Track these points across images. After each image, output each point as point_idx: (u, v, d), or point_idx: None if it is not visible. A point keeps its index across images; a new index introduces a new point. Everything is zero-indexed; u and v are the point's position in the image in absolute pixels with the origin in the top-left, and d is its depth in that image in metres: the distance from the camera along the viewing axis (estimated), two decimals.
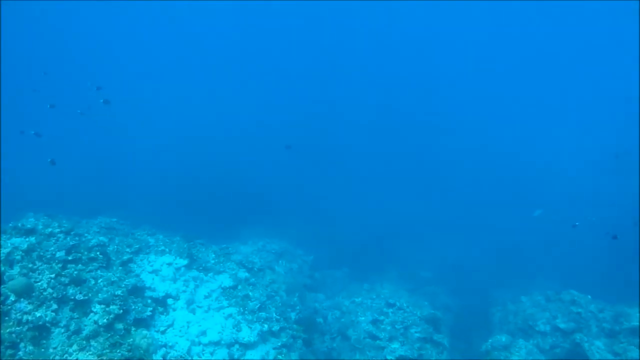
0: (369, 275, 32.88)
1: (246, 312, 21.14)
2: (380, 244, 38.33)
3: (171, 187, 42.32)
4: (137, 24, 78.47)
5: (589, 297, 25.40)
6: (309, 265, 31.09)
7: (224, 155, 52.10)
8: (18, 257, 17.63)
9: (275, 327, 21.12)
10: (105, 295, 17.57)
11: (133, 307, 17.98)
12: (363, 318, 25.33)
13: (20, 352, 15.02)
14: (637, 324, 21.87)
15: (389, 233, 40.35)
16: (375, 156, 57.50)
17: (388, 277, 32.63)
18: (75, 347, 15.84)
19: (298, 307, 23.88)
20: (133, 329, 17.33)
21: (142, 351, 16.58)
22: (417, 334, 24.29)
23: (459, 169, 57.27)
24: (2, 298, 15.77)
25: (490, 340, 23.19)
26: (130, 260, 20.66)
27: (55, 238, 19.38)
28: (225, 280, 22.30)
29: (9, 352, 14.80)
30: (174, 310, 19.68)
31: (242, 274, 23.21)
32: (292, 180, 49.40)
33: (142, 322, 17.95)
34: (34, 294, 16.58)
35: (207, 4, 72.19)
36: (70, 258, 18.52)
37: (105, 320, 16.73)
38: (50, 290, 16.86)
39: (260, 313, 21.43)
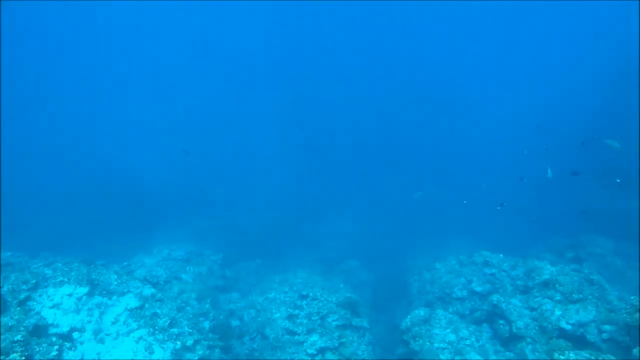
0: (282, 262, 31.80)
1: (157, 331, 19.83)
2: (288, 228, 37.31)
3: (75, 199, 39.64)
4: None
5: (501, 255, 25.39)
6: (219, 264, 29.73)
7: (124, 160, 49.43)
8: None
9: (189, 342, 20.00)
10: (3, 345, 15.70)
11: (37, 349, 16.38)
12: (278, 314, 24.31)
13: None
14: (548, 276, 21.85)
15: (296, 217, 39.37)
16: (273, 142, 56.09)
17: (301, 262, 31.61)
18: None
19: (211, 314, 22.77)
20: None
21: None
22: (335, 322, 23.53)
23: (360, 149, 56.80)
24: None
25: (409, 317, 22.70)
26: (28, 298, 18.82)
27: None
28: (131, 300, 20.89)
29: None
30: (82, 343, 18.24)
31: (148, 290, 21.82)
32: (194, 180, 47.46)
33: None
34: None
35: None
36: None
37: None
38: None
39: (171, 329, 20.17)
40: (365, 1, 65.45)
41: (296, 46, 74.02)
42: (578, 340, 19.74)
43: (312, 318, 23.61)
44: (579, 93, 47.02)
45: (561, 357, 16.78)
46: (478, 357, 20.74)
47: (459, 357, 20.74)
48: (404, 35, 72.57)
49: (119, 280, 21.89)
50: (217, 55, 76.91)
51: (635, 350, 16.15)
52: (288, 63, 73.99)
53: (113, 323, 19.79)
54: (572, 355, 16.82)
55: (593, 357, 16.59)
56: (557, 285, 21.28)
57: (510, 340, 21.22)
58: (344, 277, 31.15)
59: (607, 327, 19.21)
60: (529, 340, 20.50)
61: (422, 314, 23.01)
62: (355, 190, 45.98)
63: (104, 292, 20.91)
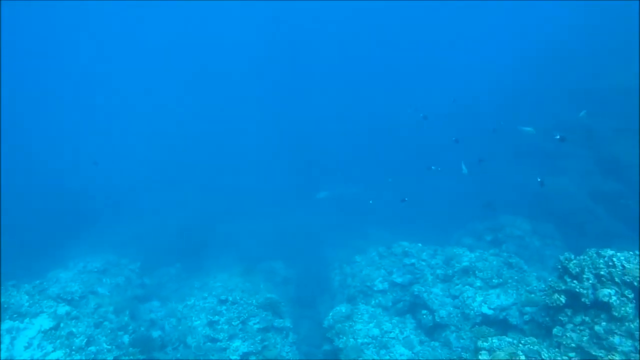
0: (203, 265, 30.58)
1: (73, 351, 18.64)
2: (208, 230, 36.03)
3: None
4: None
5: (419, 244, 25.12)
6: (137, 273, 28.26)
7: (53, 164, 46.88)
8: None
9: (109, 359, 18.63)
10: None
11: None
12: (198, 322, 23.21)
13: None
14: (467, 263, 21.70)
15: (219, 217, 38.15)
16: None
17: (221, 263, 30.47)
18: None
19: (131, 327, 21.73)
20: None
21: None
22: (257, 325, 22.68)
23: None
24: None
25: (331, 314, 22.04)
26: None
27: None
28: (45, 321, 19.51)
29: None
30: None
31: (62, 308, 20.42)
32: (125, 187, 45.46)
33: None
34: None
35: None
36: None
37: None
38: None
39: (89, 348, 19.05)
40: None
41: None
42: (501, 324, 19.70)
43: (233, 323, 22.71)
44: (494, 84, 47.51)
45: (485, 344, 16.45)
46: (403, 349, 20.33)
47: (384, 351, 20.26)
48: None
49: (31, 301, 20.48)
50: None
51: (555, 330, 15.98)
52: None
53: (27, 348, 18.44)
54: (495, 341, 16.52)
55: (515, 341, 16.31)
56: (476, 272, 21.15)
57: (434, 329, 20.99)
58: (264, 276, 30.16)
59: (528, 309, 19.18)
60: (452, 328, 20.31)
61: (343, 310, 22.42)
62: (282, 188, 44.80)
63: (15, 315, 19.46)
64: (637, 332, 14.66)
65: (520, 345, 16.13)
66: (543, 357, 15.24)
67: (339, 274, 27.89)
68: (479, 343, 16.80)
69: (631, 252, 15.93)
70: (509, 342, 16.31)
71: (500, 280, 20.57)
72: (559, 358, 15.29)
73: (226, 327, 22.68)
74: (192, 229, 35.58)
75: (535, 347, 15.68)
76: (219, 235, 35.53)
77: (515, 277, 20.91)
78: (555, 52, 42.28)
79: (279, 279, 30.98)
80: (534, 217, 29.98)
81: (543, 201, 30.69)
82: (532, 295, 19.59)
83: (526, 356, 15.32)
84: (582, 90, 35.38)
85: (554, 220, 29.81)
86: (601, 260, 15.70)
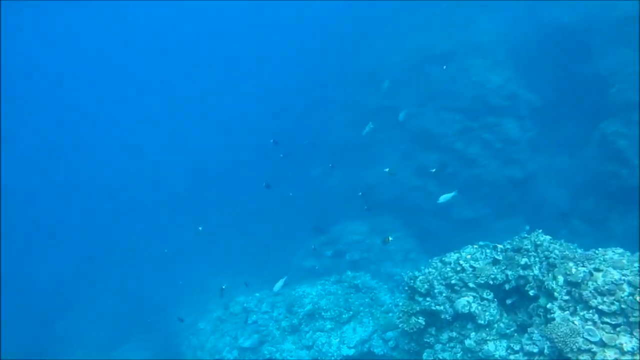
0: None
1: None
2: None
3: None
4: None
5: (257, 295, 22.04)
6: None
7: None
8: None
9: None
10: None
11: None
12: None
13: None
14: (310, 306, 18.98)
15: None
16: None
17: None
18: None
19: None
20: None
21: None
22: None
23: None
24: None
25: None
26: None
27: None
28: None
29: None
30: None
31: None
32: None
33: None
34: None
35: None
36: None
37: None
38: None
39: None
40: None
41: None
42: (369, 359, 17.09)
43: None
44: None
45: None
46: None
47: None
48: None
49: None
50: None
51: (425, 355, 13.54)
52: None
53: None
54: None
55: None
56: (322, 313, 18.59)
57: None
58: None
59: (389, 333, 17.19)
60: None
61: None
62: None
63: None
64: (509, 329, 12.58)
65: None
66: None
67: (188, 347, 24.09)
68: None
69: (475, 247, 13.87)
70: None
71: (351, 312, 18.11)
72: None
73: None
74: None
75: None
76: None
77: (367, 301, 18.60)
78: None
79: None
80: (367, 216, 27.99)
81: (371, 196, 28.79)
82: (390, 314, 17.24)
83: None
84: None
85: (388, 212, 28.04)
86: (448, 268, 13.65)
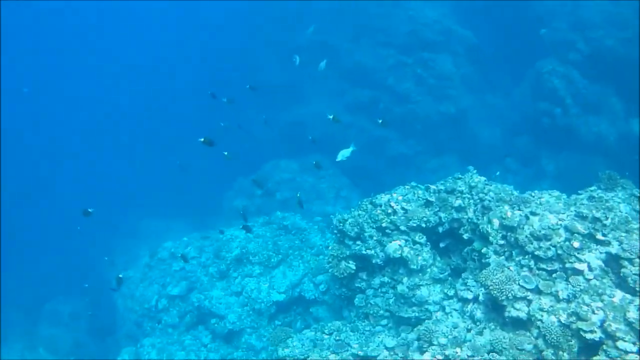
0: None
1: None
2: None
3: None
4: None
5: (185, 239, 21.21)
6: None
7: None
8: None
9: None
10: None
11: None
12: None
13: None
14: (238, 250, 18.05)
15: None
16: None
17: None
18: None
19: None
20: None
21: None
22: None
23: None
24: None
25: None
26: None
27: None
28: None
29: None
30: None
31: None
32: None
33: None
34: None
35: None
36: None
37: None
38: None
39: None
40: None
41: None
42: (300, 304, 16.66)
43: None
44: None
45: (286, 351, 12.73)
46: None
47: None
48: None
49: None
50: None
51: (356, 300, 12.77)
52: None
53: None
54: (296, 343, 12.81)
55: (319, 335, 12.79)
56: (250, 257, 17.54)
57: (231, 336, 17.40)
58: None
59: (320, 277, 16.41)
60: (249, 330, 16.70)
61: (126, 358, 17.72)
62: None
63: None
64: (443, 274, 11.87)
65: (325, 337, 12.59)
66: (351, 344, 11.79)
67: (119, 296, 22.74)
68: (280, 352, 13.11)
69: (407, 187, 12.97)
70: (311, 340, 12.68)
71: (280, 255, 17.20)
72: (369, 329, 12.41)
73: None
74: None
75: (343, 336, 12.19)
76: None
77: (297, 243, 17.73)
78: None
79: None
80: (298, 154, 26.92)
81: (302, 134, 27.61)
82: (321, 257, 16.40)
83: (335, 354, 11.84)
84: None
85: (319, 149, 26.97)
86: (378, 210, 12.77)
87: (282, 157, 27.37)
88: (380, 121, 19.49)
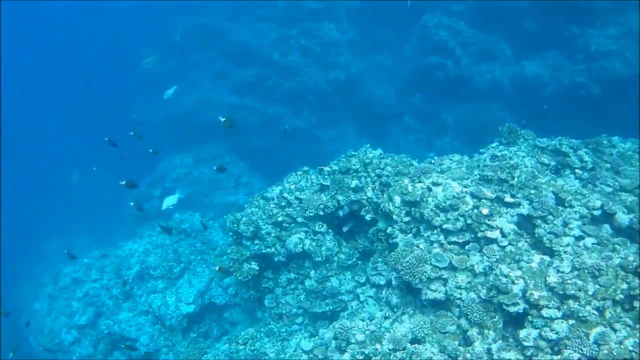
0: None
1: None
2: None
3: None
4: None
5: (85, 260, 18.81)
6: None
7: None
8: None
9: None
10: None
11: None
12: None
13: None
14: (138, 266, 16.18)
15: None
16: None
17: None
18: None
19: None
20: None
21: None
22: None
23: None
24: None
25: None
26: None
27: None
28: None
29: None
30: None
31: None
32: None
33: None
34: None
35: None
36: None
37: None
38: None
39: None
40: None
41: None
42: (213, 311, 15.06)
43: None
44: None
45: None
46: None
47: None
48: None
49: None
50: None
51: (266, 301, 11.42)
52: None
53: None
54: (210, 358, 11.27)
55: (234, 346, 11.27)
56: (151, 272, 15.70)
57: (149, 357, 15.51)
58: None
59: (227, 280, 14.65)
60: (164, 350, 15.07)
61: None
62: None
63: None
64: (351, 260, 10.68)
65: (240, 347, 11.15)
66: (268, 352, 10.55)
67: (31, 332, 20.34)
68: None
69: (299, 173, 11.63)
70: (226, 354, 11.19)
71: (182, 264, 15.51)
72: (285, 330, 11.17)
73: None
74: None
75: (258, 345, 10.82)
76: None
77: (198, 246, 16.05)
78: None
79: None
80: (190, 146, 25.14)
81: (192, 123, 25.71)
82: (225, 257, 14.73)
83: None
84: None
85: (210, 138, 25.22)
86: (272, 205, 11.37)
87: (175, 152, 25.42)
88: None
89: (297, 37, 25.84)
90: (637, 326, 7.03)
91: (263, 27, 26.62)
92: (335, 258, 10.80)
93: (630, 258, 7.44)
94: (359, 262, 10.92)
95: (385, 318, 9.38)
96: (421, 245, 8.90)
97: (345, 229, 11.21)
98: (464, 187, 9.04)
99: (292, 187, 11.28)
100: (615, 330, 7.04)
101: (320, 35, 25.78)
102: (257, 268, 11.36)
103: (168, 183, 24.20)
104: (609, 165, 9.42)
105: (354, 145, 24.59)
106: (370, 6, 26.42)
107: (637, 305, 7.15)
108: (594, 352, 6.76)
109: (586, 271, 7.48)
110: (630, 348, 6.76)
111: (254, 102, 25.12)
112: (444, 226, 8.71)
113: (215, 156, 24.76)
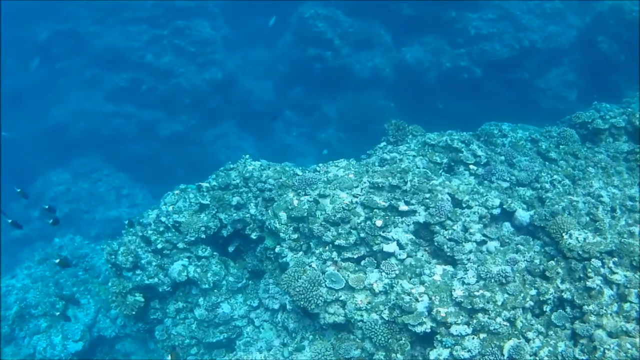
0: None
1: None
2: None
3: None
4: None
5: None
6: None
7: None
8: None
9: None
10: None
11: None
12: None
13: None
14: (17, 306, 13.80)
15: None
16: None
17: None
18: None
19: None
20: None
21: None
22: None
23: None
24: None
25: None
26: None
27: None
28: None
29: None
30: None
31: None
32: None
33: None
34: None
35: None
36: None
37: None
38: None
39: None
40: None
41: None
42: (103, 344, 13.34)
43: None
44: None
45: None
46: None
47: None
48: None
49: None
50: None
51: (157, 333, 10.24)
52: None
53: None
54: None
55: None
56: (31, 310, 13.70)
57: None
58: None
59: (113, 311, 13.02)
60: None
61: None
62: None
63: None
64: (241, 282, 9.65)
65: None
66: None
67: None
68: None
69: (176, 193, 10.45)
70: None
71: (62, 300, 13.44)
72: None
73: None
74: None
75: None
76: None
77: (80, 275, 14.41)
78: None
79: None
80: (66, 162, 22.83)
81: (64, 137, 23.37)
82: (109, 284, 13.04)
83: None
84: None
85: (86, 150, 23.05)
86: (149, 231, 10.26)
87: (50, 168, 22.99)
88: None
89: (169, 37, 24.07)
90: (550, 332, 6.49)
91: (133, 29, 24.58)
92: (224, 282, 9.63)
93: (536, 261, 6.88)
94: (250, 282, 9.84)
95: (284, 345, 8.42)
96: (314, 265, 7.90)
97: (231, 248, 10.05)
98: (354, 196, 8.10)
99: (170, 208, 9.90)
100: (528, 340, 6.51)
101: (193, 33, 24.18)
102: (143, 300, 10.04)
103: (46, 202, 21.85)
104: (502, 157, 8.92)
105: (236, 144, 23.29)
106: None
107: (547, 309, 6.63)
108: None
109: (493, 280, 6.86)
110: (546, 359, 6.25)
111: (130, 108, 23.17)
112: (336, 242, 7.74)
113: (93, 169, 22.64)
